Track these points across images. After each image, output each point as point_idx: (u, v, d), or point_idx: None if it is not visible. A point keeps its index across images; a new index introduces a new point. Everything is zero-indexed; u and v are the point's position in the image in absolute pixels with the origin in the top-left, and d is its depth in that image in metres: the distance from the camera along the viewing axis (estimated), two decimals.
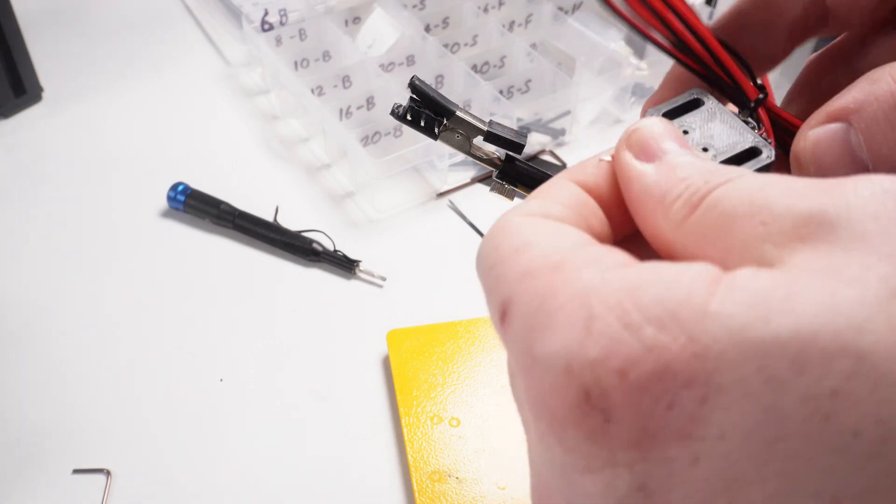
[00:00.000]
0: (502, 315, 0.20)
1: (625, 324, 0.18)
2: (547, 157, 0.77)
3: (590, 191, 0.23)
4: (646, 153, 0.23)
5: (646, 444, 0.18)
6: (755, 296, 0.17)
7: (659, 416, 0.17)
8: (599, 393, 0.18)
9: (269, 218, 0.69)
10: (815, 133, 0.24)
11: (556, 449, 0.19)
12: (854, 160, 0.23)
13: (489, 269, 0.21)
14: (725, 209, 0.20)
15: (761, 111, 0.26)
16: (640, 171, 0.23)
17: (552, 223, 0.22)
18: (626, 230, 0.24)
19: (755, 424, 0.17)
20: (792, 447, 0.17)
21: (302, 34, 0.82)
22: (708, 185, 0.21)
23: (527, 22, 0.86)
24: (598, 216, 0.23)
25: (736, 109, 0.27)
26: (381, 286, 0.65)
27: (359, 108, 0.75)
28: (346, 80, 0.77)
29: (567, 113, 0.77)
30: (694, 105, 0.27)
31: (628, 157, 0.23)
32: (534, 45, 0.81)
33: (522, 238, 0.21)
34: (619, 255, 0.20)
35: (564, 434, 0.18)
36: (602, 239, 0.23)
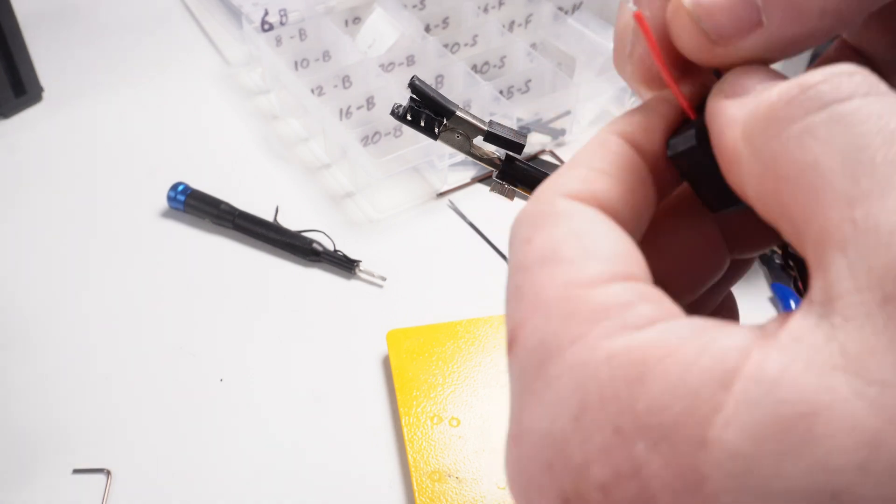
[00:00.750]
0: (510, 342, 0.18)
1: (615, 428, 0.15)
2: (547, 157, 0.77)
3: (637, 146, 0.21)
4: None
5: None
6: (772, 420, 0.14)
7: None
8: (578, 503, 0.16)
9: (269, 218, 0.69)
10: None
11: None
12: None
13: (515, 263, 0.19)
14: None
15: None
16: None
17: (593, 222, 0.19)
18: (673, 188, 0.22)
19: None
20: None
21: (302, 34, 0.82)
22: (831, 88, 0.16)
23: (527, 22, 0.86)
24: (644, 180, 0.21)
25: None
26: (381, 286, 0.65)
27: (359, 108, 0.75)
28: (346, 80, 0.77)
29: (567, 113, 0.77)
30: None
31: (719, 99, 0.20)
32: (534, 45, 0.81)
33: (554, 243, 0.18)
34: (645, 308, 0.17)
35: None
36: (645, 206, 0.21)
